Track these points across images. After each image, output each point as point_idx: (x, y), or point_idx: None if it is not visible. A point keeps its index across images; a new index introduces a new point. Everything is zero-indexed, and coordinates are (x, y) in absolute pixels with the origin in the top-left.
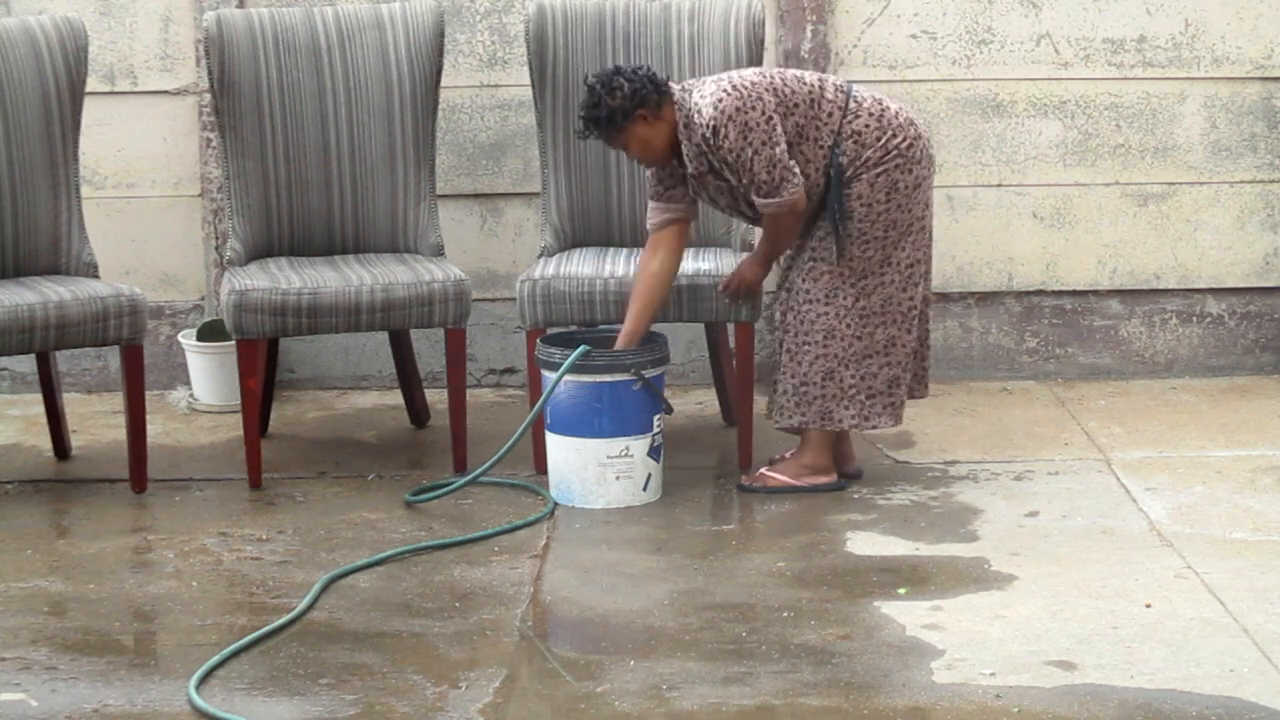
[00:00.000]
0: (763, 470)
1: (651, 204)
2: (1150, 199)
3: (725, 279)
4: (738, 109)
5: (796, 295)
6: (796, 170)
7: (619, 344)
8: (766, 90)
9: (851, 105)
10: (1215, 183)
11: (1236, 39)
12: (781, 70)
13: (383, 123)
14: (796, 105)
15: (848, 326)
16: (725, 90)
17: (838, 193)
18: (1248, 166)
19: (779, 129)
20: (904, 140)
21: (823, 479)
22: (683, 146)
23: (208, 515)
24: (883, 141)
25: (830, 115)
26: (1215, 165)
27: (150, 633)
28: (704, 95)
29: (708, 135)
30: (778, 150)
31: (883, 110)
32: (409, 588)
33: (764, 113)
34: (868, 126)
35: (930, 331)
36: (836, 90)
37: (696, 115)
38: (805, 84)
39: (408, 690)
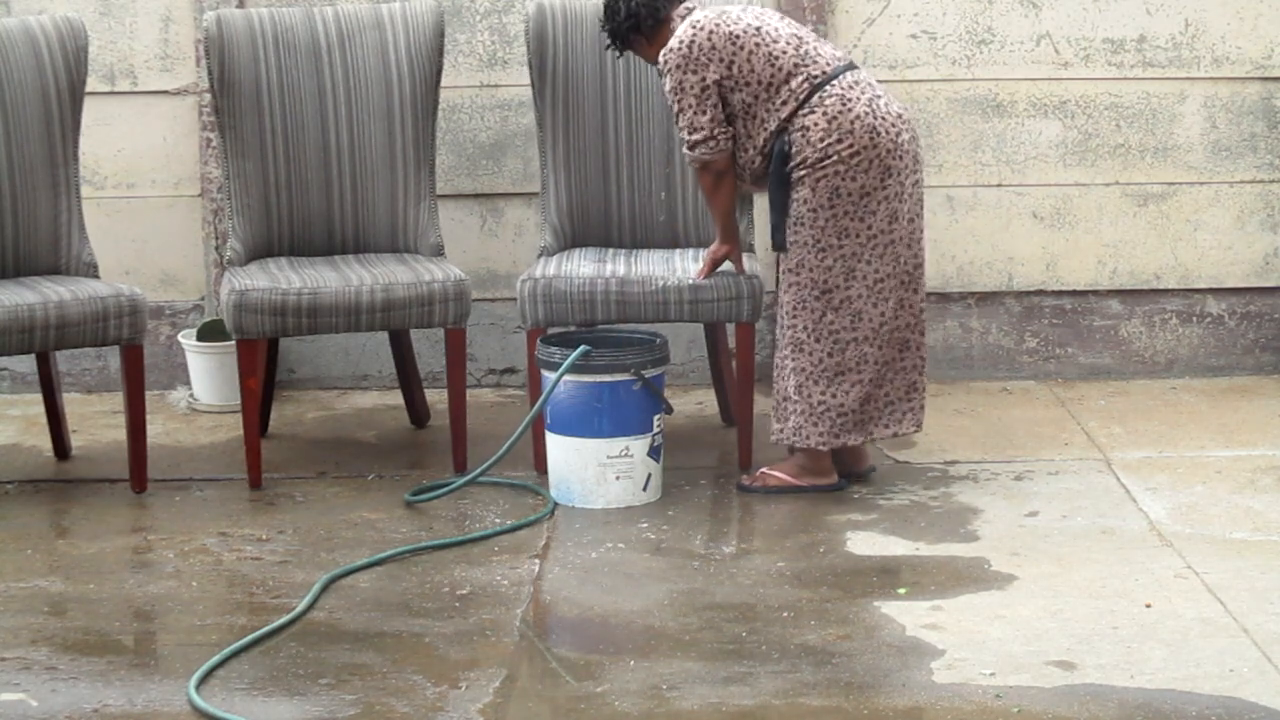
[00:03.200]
0: (763, 470)
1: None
2: (1150, 199)
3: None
4: (678, 65)
5: (777, 308)
6: (720, 138)
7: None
8: (720, 62)
9: (814, 99)
10: (1215, 183)
11: (1236, 39)
12: (770, 35)
13: (383, 123)
14: (748, 84)
15: (817, 341)
16: (681, 39)
17: (777, 180)
18: (1248, 166)
19: (712, 96)
20: (847, 146)
21: (822, 480)
22: None
23: (208, 515)
24: (825, 144)
25: (784, 103)
26: (1215, 165)
27: (150, 633)
28: (677, 33)
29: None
30: (700, 117)
31: (841, 111)
32: (409, 588)
33: (702, 79)
34: (816, 125)
35: (924, 360)
36: (806, 80)
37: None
38: (776, 65)
39: (408, 690)
